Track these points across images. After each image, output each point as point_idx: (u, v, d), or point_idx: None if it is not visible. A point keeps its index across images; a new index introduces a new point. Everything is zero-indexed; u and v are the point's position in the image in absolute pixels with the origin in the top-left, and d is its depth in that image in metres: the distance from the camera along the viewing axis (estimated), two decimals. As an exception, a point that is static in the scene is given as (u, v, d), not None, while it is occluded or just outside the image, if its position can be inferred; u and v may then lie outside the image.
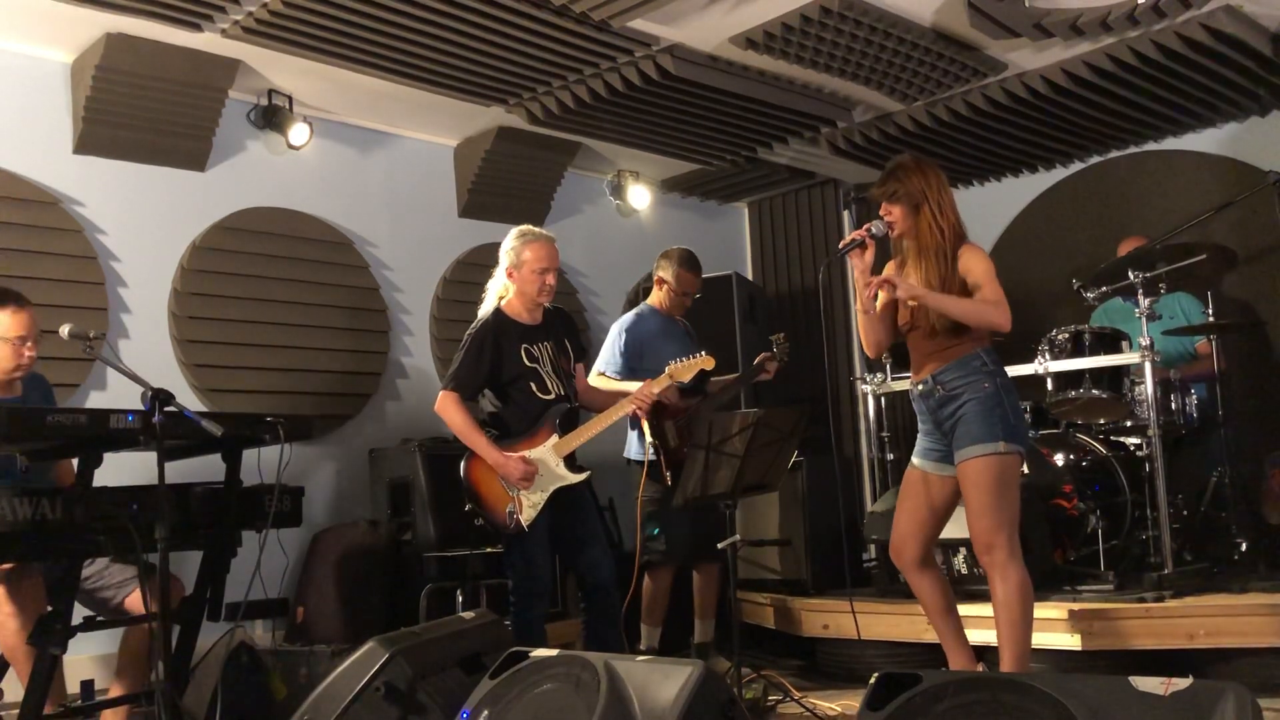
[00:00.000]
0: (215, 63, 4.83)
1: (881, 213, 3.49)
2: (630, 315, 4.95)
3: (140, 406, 3.04)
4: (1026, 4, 4.67)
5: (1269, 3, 4.76)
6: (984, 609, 3.63)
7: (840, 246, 3.53)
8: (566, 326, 4.32)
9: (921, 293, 3.34)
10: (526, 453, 3.99)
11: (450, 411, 4.01)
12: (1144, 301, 4.46)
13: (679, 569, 4.83)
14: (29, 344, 3.56)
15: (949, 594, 3.58)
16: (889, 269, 3.59)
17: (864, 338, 3.57)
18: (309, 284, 5.39)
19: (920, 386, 3.48)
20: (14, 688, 3.44)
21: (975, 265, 3.37)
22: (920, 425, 3.55)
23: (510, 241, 4.14)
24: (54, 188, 4.71)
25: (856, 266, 3.48)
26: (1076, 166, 6.73)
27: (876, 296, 3.50)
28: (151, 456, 3.02)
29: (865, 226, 3.49)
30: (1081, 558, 4.79)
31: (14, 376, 3.60)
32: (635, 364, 4.77)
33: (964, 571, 4.62)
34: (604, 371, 4.81)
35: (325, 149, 5.57)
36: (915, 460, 3.55)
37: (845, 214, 7.19)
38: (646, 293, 6.43)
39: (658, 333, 4.85)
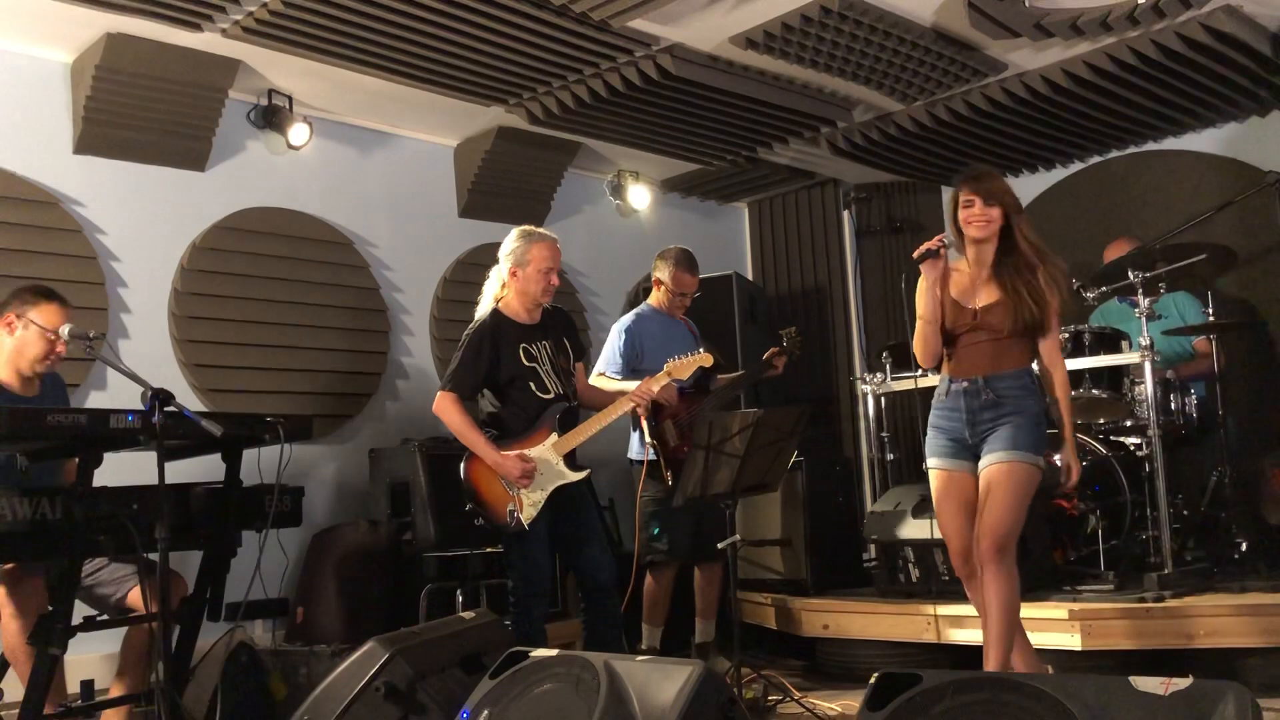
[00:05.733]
0: (215, 63, 4.83)
1: (977, 212, 3.45)
2: (630, 315, 4.95)
3: (140, 406, 3.04)
4: (1026, 4, 4.67)
5: (1269, 3, 4.76)
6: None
7: (915, 255, 3.52)
8: (565, 326, 4.31)
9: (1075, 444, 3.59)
10: (525, 451, 3.99)
11: (448, 412, 4.01)
12: (1144, 301, 4.46)
13: (681, 568, 4.84)
14: (60, 339, 3.59)
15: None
16: (936, 278, 3.58)
17: (924, 348, 3.55)
18: (309, 284, 5.39)
19: (965, 384, 3.48)
20: (14, 687, 3.44)
21: (1062, 290, 3.48)
22: (943, 422, 3.53)
23: (512, 242, 4.14)
24: (54, 188, 4.71)
25: (929, 275, 3.50)
26: (1076, 166, 6.74)
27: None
28: (151, 456, 3.03)
29: (939, 236, 3.50)
30: (1081, 558, 4.79)
31: (39, 370, 3.63)
32: (635, 364, 4.77)
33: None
34: (604, 372, 4.81)
35: (325, 149, 5.57)
36: (942, 464, 3.52)
37: (845, 214, 7.19)
38: (646, 293, 6.42)
39: (658, 332, 4.85)
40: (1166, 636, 4.04)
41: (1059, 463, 4.86)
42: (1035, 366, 3.54)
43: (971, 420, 3.46)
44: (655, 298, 4.96)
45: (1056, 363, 3.51)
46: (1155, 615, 4.07)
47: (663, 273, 4.91)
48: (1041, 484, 4.68)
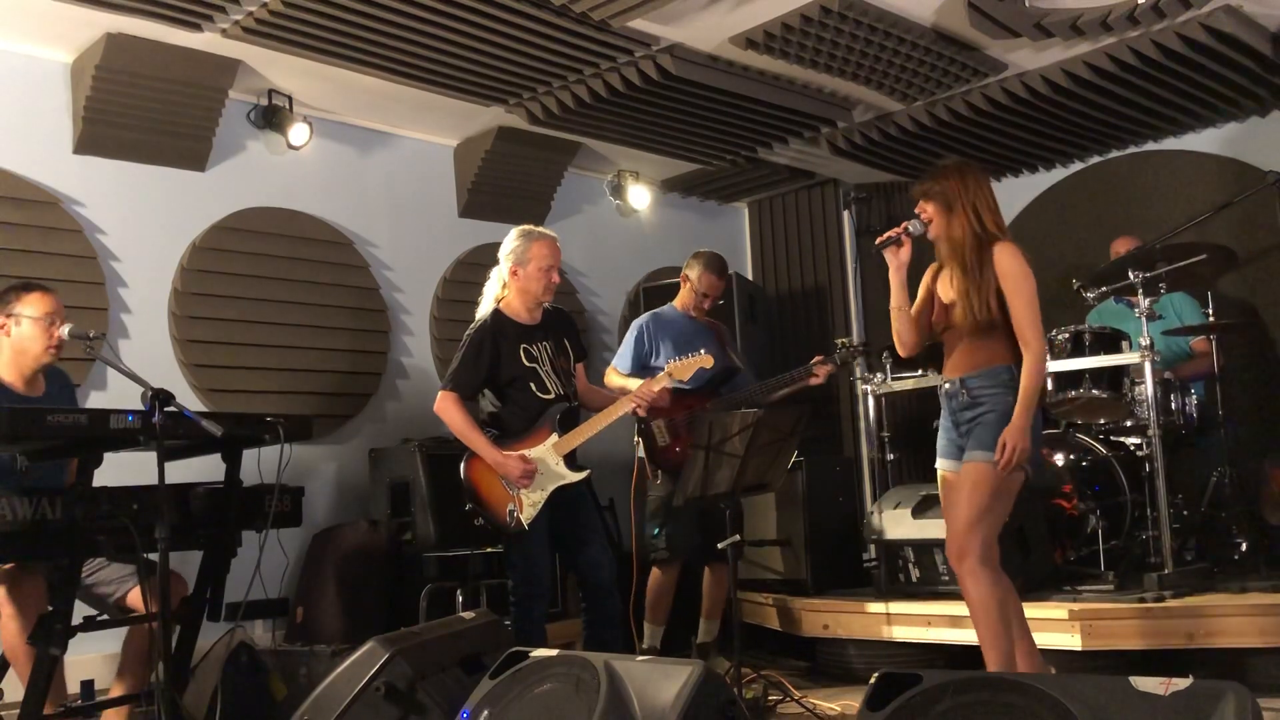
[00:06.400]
0: (215, 63, 4.83)
1: (917, 210, 3.52)
2: (649, 314, 4.99)
3: (140, 406, 3.04)
4: (1026, 4, 4.67)
5: (1269, 3, 4.76)
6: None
7: (877, 242, 3.55)
8: (566, 326, 4.32)
9: (1022, 421, 3.30)
10: (526, 452, 4.00)
11: (449, 412, 4.01)
12: (1144, 301, 4.46)
13: (684, 568, 4.83)
14: (56, 324, 3.58)
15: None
16: (929, 272, 3.61)
17: (897, 336, 3.58)
18: (309, 284, 5.39)
19: (946, 386, 3.50)
20: (14, 688, 3.44)
21: (1009, 269, 3.36)
22: (943, 421, 3.55)
23: (513, 241, 4.14)
24: (54, 188, 4.71)
25: (891, 264, 3.51)
26: (1076, 166, 6.73)
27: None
28: (151, 456, 3.03)
29: (904, 224, 3.52)
30: (1081, 558, 4.79)
31: (46, 361, 3.61)
32: (647, 361, 4.78)
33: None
34: (615, 366, 4.83)
35: (325, 149, 5.56)
36: (939, 464, 3.54)
37: (845, 214, 7.18)
38: (647, 293, 6.46)
39: (676, 332, 4.85)
40: (1166, 636, 4.04)
41: (1059, 462, 4.91)
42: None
43: (956, 421, 3.48)
44: (680, 297, 4.98)
45: (1023, 350, 3.36)
46: (1155, 615, 4.07)
47: (692, 270, 4.93)
48: (1040, 483, 4.72)
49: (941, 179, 3.48)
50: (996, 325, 3.38)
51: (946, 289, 3.51)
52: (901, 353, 3.63)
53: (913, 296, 3.61)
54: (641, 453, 4.65)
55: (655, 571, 4.75)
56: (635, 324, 4.92)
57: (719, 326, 5.06)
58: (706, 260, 4.92)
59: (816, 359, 4.80)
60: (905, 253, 3.50)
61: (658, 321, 4.90)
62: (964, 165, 3.56)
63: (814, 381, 4.78)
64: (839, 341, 4.86)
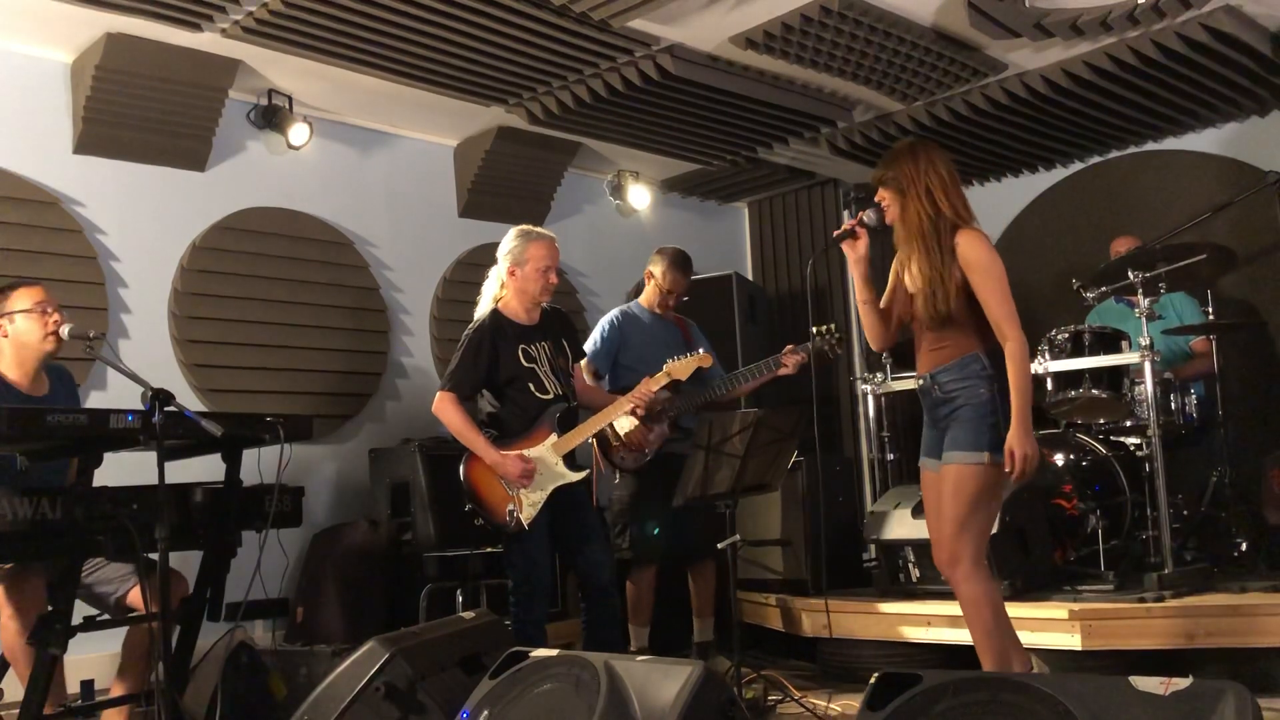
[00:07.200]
0: (215, 63, 4.83)
1: (876, 199, 3.38)
2: (618, 309, 4.96)
3: (140, 406, 3.04)
4: (1026, 4, 4.67)
5: (1269, 3, 4.76)
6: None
7: (833, 236, 3.44)
8: (564, 326, 4.32)
9: (1022, 425, 3.12)
10: (525, 452, 4.00)
11: (448, 412, 4.01)
12: (1144, 301, 4.46)
13: (660, 568, 4.78)
14: (49, 310, 3.57)
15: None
16: (896, 261, 3.46)
17: (866, 331, 3.50)
18: (309, 284, 5.39)
19: (920, 383, 3.39)
20: (14, 688, 3.44)
21: (975, 259, 3.19)
22: (924, 419, 3.44)
23: (511, 241, 4.15)
24: (54, 188, 4.71)
25: (850, 257, 3.40)
26: (1076, 166, 6.73)
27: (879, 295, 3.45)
28: (151, 456, 3.02)
29: (858, 215, 3.39)
30: (1081, 558, 4.79)
31: (47, 350, 3.60)
32: (613, 357, 4.77)
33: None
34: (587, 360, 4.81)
35: (325, 149, 5.57)
36: (921, 462, 3.42)
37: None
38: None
39: (643, 330, 4.84)
40: (1166, 636, 4.04)
41: (1059, 462, 4.90)
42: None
43: (934, 419, 3.35)
44: (645, 294, 4.96)
45: (1003, 341, 3.17)
46: (1155, 615, 4.06)
47: (656, 268, 4.91)
48: (1040, 483, 4.72)
49: (894, 162, 3.32)
50: (961, 315, 3.23)
51: (909, 279, 3.35)
52: (874, 347, 3.54)
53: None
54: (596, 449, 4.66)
55: (630, 574, 4.72)
56: (604, 319, 4.91)
57: (685, 322, 5.03)
58: (670, 257, 4.90)
59: (787, 348, 4.68)
60: (862, 245, 3.37)
61: (626, 318, 4.88)
62: (916, 145, 3.37)
63: (783, 372, 4.65)
64: (815, 329, 4.62)
